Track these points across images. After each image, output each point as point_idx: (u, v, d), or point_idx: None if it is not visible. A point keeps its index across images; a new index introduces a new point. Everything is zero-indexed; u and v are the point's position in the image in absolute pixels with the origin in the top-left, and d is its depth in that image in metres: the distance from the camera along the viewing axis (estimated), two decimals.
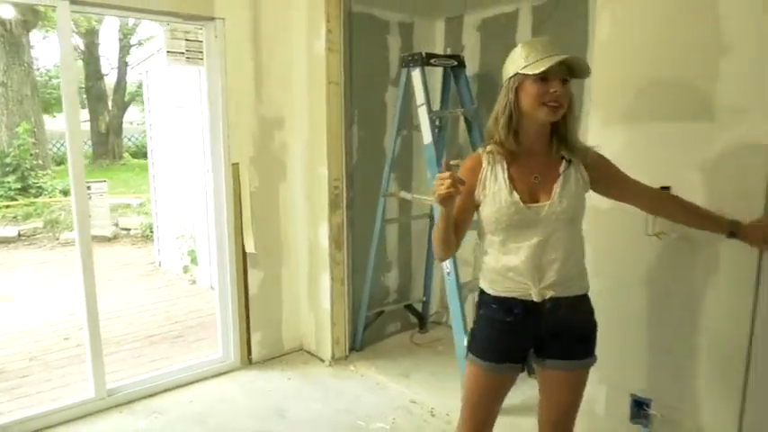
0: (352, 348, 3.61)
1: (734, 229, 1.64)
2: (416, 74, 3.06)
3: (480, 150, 1.66)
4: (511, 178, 1.58)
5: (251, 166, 3.30)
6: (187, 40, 3.15)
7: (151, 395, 3.05)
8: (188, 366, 3.29)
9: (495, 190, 1.58)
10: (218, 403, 2.99)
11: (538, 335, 1.65)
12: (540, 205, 1.57)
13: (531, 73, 1.49)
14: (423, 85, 3.03)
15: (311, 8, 3.23)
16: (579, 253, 1.67)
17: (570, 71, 1.52)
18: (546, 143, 1.62)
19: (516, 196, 1.56)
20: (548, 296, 1.59)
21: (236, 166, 3.26)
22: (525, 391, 1.79)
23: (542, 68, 1.47)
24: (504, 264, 1.61)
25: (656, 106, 1.89)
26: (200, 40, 3.19)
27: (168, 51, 3.09)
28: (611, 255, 1.82)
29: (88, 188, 2.85)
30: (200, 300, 4.83)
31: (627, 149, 1.92)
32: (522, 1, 3.29)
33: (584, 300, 1.68)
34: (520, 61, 1.53)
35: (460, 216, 1.60)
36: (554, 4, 3.11)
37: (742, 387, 1.75)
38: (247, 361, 3.42)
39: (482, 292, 1.71)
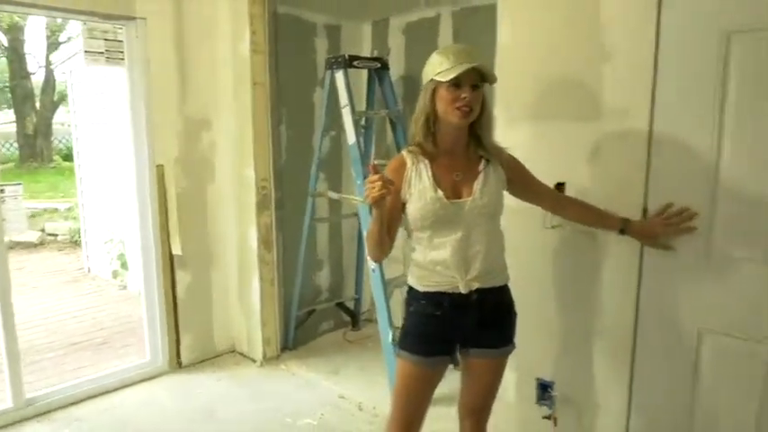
0: (285, 348, 3.63)
1: (623, 227, 1.79)
2: (340, 75, 3.12)
3: (404, 151, 1.73)
4: (434, 176, 1.66)
5: (177, 167, 3.27)
6: (106, 39, 3.09)
7: (73, 403, 2.98)
8: (113, 372, 3.23)
9: (420, 188, 1.65)
10: (144, 408, 2.96)
11: (465, 326, 1.73)
12: (462, 201, 1.66)
13: (443, 80, 1.58)
14: (346, 87, 3.09)
15: (235, 9, 3.24)
16: (500, 246, 1.78)
17: (482, 77, 1.62)
18: (465, 143, 1.72)
19: (440, 193, 1.65)
20: (474, 287, 1.68)
21: (160, 167, 3.22)
22: (452, 381, 1.88)
23: (452, 76, 1.56)
24: (431, 259, 1.68)
25: (552, 106, 2.02)
26: (120, 39, 3.14)
27: (86, 51, 3.02)
28: (517, 249, 1.93)
29: (1, 191, 2.76)
30: (129, 305, 4.71)
31: (528, 146, 2.03)
32: (442, 6, 3.40)
33: (505, 290, 1.80)
34: (435, 68, 1.62)
35: (390, 216, 1.66)
36: (471, 10, 3.24)
37: (630, 366, 1.90)
38: (177, 365, 3.38)
39: (411, 289, 1.78)
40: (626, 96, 1.83)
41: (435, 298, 1.70)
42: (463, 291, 1.68)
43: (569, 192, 1.97)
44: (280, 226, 3.52)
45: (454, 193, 1.67)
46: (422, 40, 3.57)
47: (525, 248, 2.08)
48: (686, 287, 1.77)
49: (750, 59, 1.60)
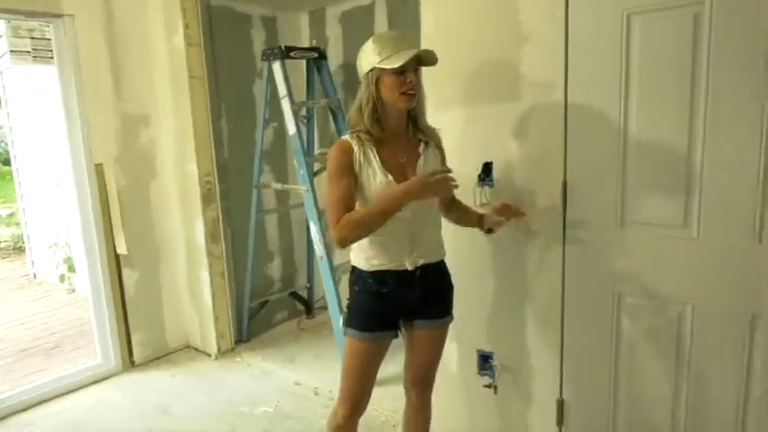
0: (239, 340, 3.65)
1: (483, 224, 1.89)
2: (277, 67, 3.13)
3: (346, 136, 1.75)
4: (382, 160, 1.72)
5: (117, 165, 3.23)
6: (33, 38, 3.02)
7: (25, 409, 2.94)
8: (65, 376, 3.19)
9: (369, 172, 1.70)
10: (96, 408, 2.94)
11: (409, 301, 1.81)
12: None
13: (389, 67, 1.63)
14: (284, 78, 3.11)
15: (166, 3, 3.20)
16: (439, 223, 1.87)
17: (419, 60, 1.68)
18: (405, 127, 1.78)
19: (390, 177, 1.70)
20: (419, 264, 1.77)
21: (99, 166, 3.18)
22: (399, 360, 1.97)
23: (400, 63, 1.61)
24: (380, 240, 1.74)
25: (477, 90, 2.10)
26: (48, 38, 3.06)
27: (11, 51, 2.94)
28: (454, 227, 2.02)
29: None
30: (79, 308, 4.62)
31: (459, 129, 2.12)
32: None
33: (443, 264, 1.89)
34: (374, 57, 1.66)
35: (352, 197, 1.70)
36: None
37: (560, 333, 2.02)
38: (129, 364, 3.37)
39: (355, 269, 1.83)
40: (543, 75, 1.92)
41: (382, 276, 1.77)
42: (410, 268, 1.75)
43: (498, 169, 2.05)
44: (227, 219, 3.53)
45: (402, 175, 1.72)
46: (358, 28, 3.61)
47: (457, 227, 2.16)
48: (603, 255, 1.89)
49: (647, 36, 1.71)
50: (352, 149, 1.71)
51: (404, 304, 1.82)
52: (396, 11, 3.40)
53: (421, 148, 1.79)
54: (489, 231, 1.91)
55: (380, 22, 3.50)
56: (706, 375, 1.75)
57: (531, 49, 1.94)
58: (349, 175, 1.69)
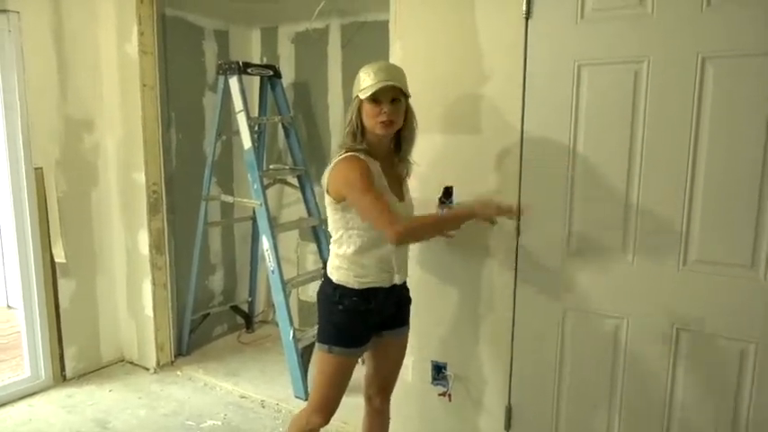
0: (179, 353, 3.59)
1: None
2: (234, 81, 3.17)
3: (353, 153, 1.81)
4: (386, 178, 1.85)
5: (57, 169, 3.12)
6: None
7: None
8: None
9: (380, 188, 1.79)
10: (26, 425, 2.80)
11: (385, 315, 1.94)
12: (404, 203, 1.91)
13: (362, 97, 1.77)
14: (240, 93, 3.15)
15: (120, 8, 3.16)
16: None
17: (403, 91, 1.81)
18: (388, 152, 1.92)
19: (393, 195, 1.85)
20: (404, 279, 1.95)
21: (39, 170, 3.05)
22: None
23: (370, 93, 1.75)
24: (378, 257, 1.85)
25: (441, 121, 2.28)
26: None
27: None
28: (421, 247, 2.18)
29: None
30: None
31: (420, 156, 2.28)
32: (332, 18, 3.58)
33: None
34: (359, 84, 1.80)
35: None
36: (359, 24, 3.46)
37: (510, 345, 2.22)
38: (61, 378, 3.22)
39: (339, 287, 1.87)
40: (502, 112, 2.14)
41: (369, 294, 1.87)
42: (398, 283, 1.92)
43: (459, 195, 2.23)
44: (171, 230, 3.48)
45: (398, 194, 1.90)
46: (311, 49, 3.72)
47: (421, 246, 2.32)
48: (552, 273, 2.11)
49: (595, 82, 1.97)
50: (367, 163, 1.79)
51: (379, 318, 1.94)
52: (350, 36, 3.55)
53: (404, 173, 1.98)
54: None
55: (334, 46, 3.63)
56: (637, 380, 2.00)
57: (492, 87, 2.15)
58: (374, 181, 1.77)
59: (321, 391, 1.93)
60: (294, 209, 3.88)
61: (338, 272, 1.89)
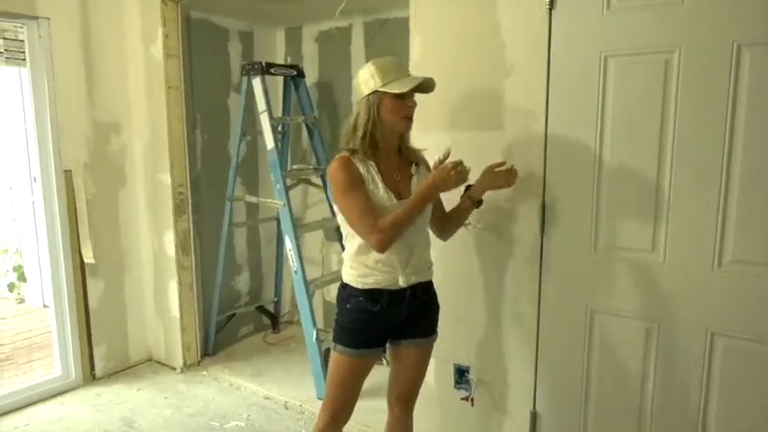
0: (205, 353, 3.62)
1: (470, 195, 1.97)
2: (257, 82, 3.17)
3: (344, 154, 1.79)
4: (382, 177, 1.79)
5: (86, 172, 3.18)
6: (5, 38, 2.94)
7: None
8: (21, 389, 3.07)
9: (371, 188, 1.75)
10: (56, 423, 2.85)
11: (398, 320, 1.87)
12: (406, 201, 1.78)
13: (394, 92, 1.71)
14: (264, 93, 3.15)
15: (146, 12, 3.20)
16: (429, 244, 1.95)
17: (417, 87, 1.77)
18: (396, 147, 1.87)
19: (390, 194, 1.78)
20: (412, 282, 1.83)
21: (68, 173, 3.11)
22: (376, 376, 2.03)
23: (406, 89, 1.71)
24: (376, 258, 1.79)
25: (463, 117, 2.22)
26: (21, 39, 3.00)
27: None
28: (445, 247, 2.12)
29: None
30: (30, 319, 4.44)
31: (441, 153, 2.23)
32: (354, 17, 3.55)
33: (432, 285, 1.97)
34: (377, 80, 1.73)
35: (373, 203, 1.74)
36: (382, 21, 3.42)
37: (535, 347, 2.15)
38: (90, 377, 3.27)
39: (347, 287, 1.86)
40: (525, 106, 2.06)
41: (375, 295, 1.81)
42: (403, 285, 1.81)
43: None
44: (197, 231, 3.51)
45: (397, 192, 1.80)
46: (335, 48, 3.70)
47: (443, 246, 2.25)
48: (578, 273, 2.03)
49: (622, 77, 1.88)
50: (356, 165, 1.77)
51: (393, 322, 1.87)
52: (373, 35, 3.51)
53: (413, 169, 1.88)
54: (479, 204, 1.98)
55: (357, 45, 3.60)
56: (669, 388, 1.90)
57: (514, 81, 2.08)
58: (362, 184, 1.75)
59: (328, 389, 1.91)
60: (318, 209, 3.87)
61: (345, 271, 1.87)
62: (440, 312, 2.02)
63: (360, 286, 1.83)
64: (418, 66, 2.28)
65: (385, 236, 1.69)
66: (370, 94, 1.76)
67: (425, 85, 1.79)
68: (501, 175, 1.97)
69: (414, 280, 1.85)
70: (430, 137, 2.26)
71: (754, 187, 1.69)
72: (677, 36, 1.77)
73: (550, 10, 1.98)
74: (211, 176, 3.63)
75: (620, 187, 1.92)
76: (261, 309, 4.01)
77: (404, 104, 1.74)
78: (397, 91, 1.71)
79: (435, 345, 2.03)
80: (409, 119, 1.77)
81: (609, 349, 2.01)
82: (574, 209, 2.01)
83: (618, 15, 1.87)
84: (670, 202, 1.83)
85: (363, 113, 1.78)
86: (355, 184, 1.74)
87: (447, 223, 2.04)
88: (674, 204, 1.82)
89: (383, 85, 1.73)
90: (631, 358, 1.96)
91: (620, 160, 1.91)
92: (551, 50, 2.00)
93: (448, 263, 2.27)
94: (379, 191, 1.77)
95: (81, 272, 3.19)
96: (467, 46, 2.18)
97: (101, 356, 3.31)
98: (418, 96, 1.87)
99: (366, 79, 1.77)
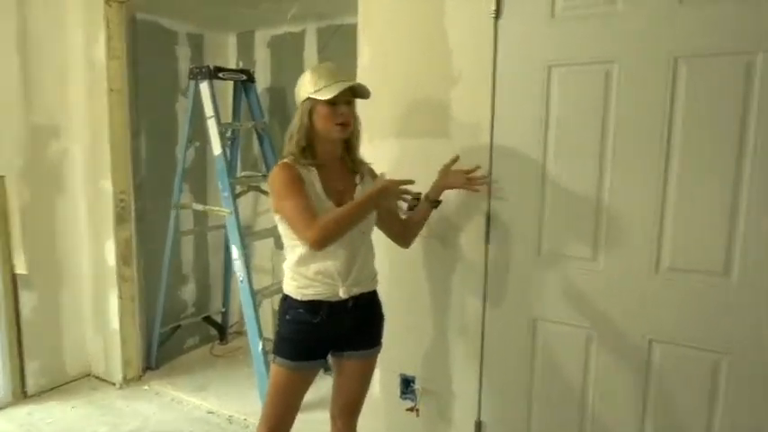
0: (148, 367, 3.47)
1: (428, 196, 1.97)
2: (204, 86, 3.09)
3: (287, 160, 1.75)
4: (324, 186, 1.74)
5: (20, 178, 3.01)
6: None
7: None
8: None
9: (312, 197, 1.71)
10: None
11: (340, 331, 1.82)
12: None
13: (322, 98, 1.68)
14: (211, 98, 3.07)
15: (89, 11, 3.08)
16: (373, 254, 1.90)
17: (354, 93, 1.75)
18: (339, 156, 1.83)
19: (331, 203, 1.73)
20: (353, 293, 1.78)
21: (1, 179, 2.95)
22: (321, 387, 1.97)
23: (331, 95, 1.67)
24: (316, 269, 1.74)
25: (410, 124, 2.20)
26: None
27: None
28: (381, 256, 2.08)
29: None
30: None
31: (391, 161, 2.20)
32: (308, 23, 3.51)
33: (376, 295, 1.93)
34: (310, 86, 1.71)
35: (313, 204, 1.68)
36: (335, 27, 3.39)
37: (479, 356, 2.13)
38: (21, 395, 3.09)
39: (287, 298, 1.81)
40: (471, 116, 2.06)
41: (314, 306, 1.77)
42: (343, 296, 1.77)
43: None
44: (140, 240, 3.37)
45: (340, 202, 1.75)
46: (288, 53, 3.65)
47: (389, 256, 2.22)
48: (522, 282, 2.03)
49: (565, 84, 1.89)
50: (297, 170, 1.72)
51: (335, 334, 1.83)
52: (326, 40, 3.48)
53: (357, 179, 1.84)
54: (436, 204, 1.96)
55: (310, 51, 3.56)
56: (609, 397, 1.91)
57: (461, 90, 2.08)
58: (302, 185, 1.70)
59: (266, 401, 1.85)
60: (269, 216, 3.76)
61: (287, 283, 1.82)
62: (386, 323, 1.99)
63: (300, 297, 1.78)
64: (366, 70, 2.26)
65: (323, 233, 1.60)
66: (304, 101, 1.74)
67: (359, 91, 1.76)
68: (458, 175, 1.97)
69: (355, 291, 1.80)
70: (379, 144, 2.24)
71: (691, 197, 1.72)
72: (617, 47, 1.80)
73: (496, 18, 1.99)
74: (157, 183, 3.50)
75: (563, 197, 1.93)
76: (208, 319, 3.89)
77: (335, 111, 1.71)
78: (323, 97, 1.68)
79: (382, 355, 1.99)
80: (343, 126, 1.73)
81: (551, 358, 2.01)
82: (518, 219, 2.01)
83: (561, 26, 1.89)
84: (610, 211, 1.85)
85: (297, 120, 1.76)
86: (295, 184, 1.69)
87: (408, 230, 2.02)
88: (613, 213, 1.84)
89: (314, 92, 1.70)
90: (573, 367, 1.96)
91: (564, 170, 1.92)
92: (497, 59, 2.01)
93: (395, 273, 2.24)
94: (319, 199, 1.72)
95: (12, 283, 3.02)
96: (415, 53, 2.17)
97: (33, 372, 3.13)
98: (365, 104, 1.84)
99: (302, 85, 1.76)
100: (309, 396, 1.90)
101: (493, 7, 1.98)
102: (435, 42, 2.11)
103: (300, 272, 1.77)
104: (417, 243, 2.21)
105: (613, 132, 1.82)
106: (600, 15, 1.82)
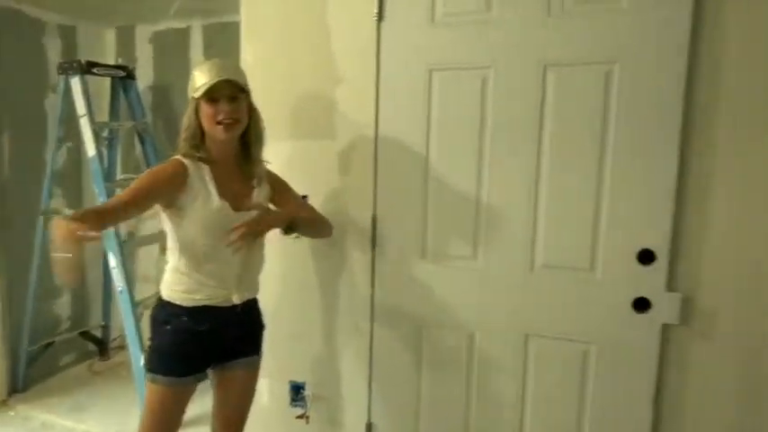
0: (14, 390, 3.14)
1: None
2: (76, 82, 2.85)
3: (179, 156, 1.65)
4: (217, 186, 1.64)
5: None
6: None
7: None
8: None
9: (203, 196, 1.61)
10: None
11: (226, 340, 1.73)
12: (245, 213, 1.66)
13: (198, 96, 1.60)
14: (83, 95, 2.84)
15: None
16: (263, 261, 1.83)
17: (242, 88, 1.65)
18: (235, 155, 1.73)
19: (225, 203, 1.63)
20: (245, 299, 1.71)
21: None
22: (206, 402, 1.87)
23: (202, 91, 1.59)
24: (208, 271, 1.64)
25: (298, 126, 2.16)
26: None
27: None
28: (271, 262, 2.02)
29: None
30: None
31: (280, 162, 2.13)
32: (193, 19, 3.36)
33: (257, 302, 1.85)
34: (193, 84, 1.63)
35: (145, 202, 1.57)
36: (222, 25, 3.27)
37: (368, 361, 2.12)
38: None
39: (167, 305, 1.69)
40: (357, 116, 2.05)
41: (202, 313, 1.67)
42: (237, 302, 1.70)
43: (317, 203, 2.10)
44: (3, 249, 3.05)
45: (235, 203, 1.67)
46: (172, 50, 3.46)
47: (279, 262, 2.16)
48: (408, 283, 2.04)
49: (446, 88, 1.94)
50: (186, 172, 1.62)
51: (219, 344, 1.74)
52: (212, 37, 3.35)
53: (254, 181, 1.77)
54: (289, 231, 1.81)
55: (196, 48, 3.41)
56: (493, 392, 1.98)
57: (346, 91, 2.07)
58: (158, 196, 1.60)
59: (143, 421, 1.72)
60: (154, 221, 3.56)
61: (166, 287, 1.71)
62: (276, 329, 1.94)
63: (185, 304, 1.67)
64: (251, 67, 2.17)
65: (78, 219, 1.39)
66: (191, 99, 1.66)
67: (236, 84, 1.65)
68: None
69: (247, 296, 1.75)
70: (270, 145, 2.16)
71: (560, 196, 1.82)
72: (492, 54, 1.87)
73: (379, 21, 2.00)
74: (23, 187, 3.18)
75: (445, 198, 1.98)
76: (85, 334, 3.59)
77: (217, 109, 1.62)
78: (197, 95, 1.61)
79: (270, 362, 1.95)
80: (226, 125, 1.63)
81: (437, 358, 2.04)
82: (404, 220, 2.03)
83: (441, 31, 1.93)
84: (488, 210, 1.92)
85: (185, 119, 1.68)
86: (153, 177, 1.61)
87: (313, 234, 2.00)
88: (491, 213, 1.91)
89: (196, 90, 1.62)
90: (457, 366, 2.01)
91: (445, 172, 1.97)
92: (380, 61, 2.02)
93: (282, 279, 2.19)
94: (212, 200, 1.64)
95: None
96: (300, 52, 2.13)
97: None
98: (257, 103, 1.76)
99: (190, 84, 1.67)
100: (190, 412, 1.80)
101: (375, 10, 1.99)
102: (319, 44, 2.09)
103: (189, 275, 1.66)
104: (306, 247, 2.18)
105: (490, 135, 1.89)
106: (476, 23, 1.88)
